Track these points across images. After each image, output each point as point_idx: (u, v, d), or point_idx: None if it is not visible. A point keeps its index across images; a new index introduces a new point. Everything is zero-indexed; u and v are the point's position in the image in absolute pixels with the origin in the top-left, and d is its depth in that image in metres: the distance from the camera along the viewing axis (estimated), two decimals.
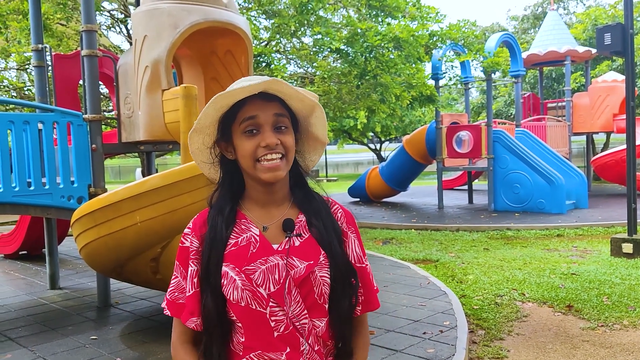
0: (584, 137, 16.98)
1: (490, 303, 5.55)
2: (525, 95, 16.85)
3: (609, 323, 4.87)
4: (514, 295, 5.78)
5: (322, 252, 1.39)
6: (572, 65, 16.03)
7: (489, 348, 4.39)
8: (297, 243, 1.39)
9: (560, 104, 16.39)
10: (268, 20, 9.70)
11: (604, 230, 9.48)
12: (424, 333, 4.53)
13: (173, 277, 1.44)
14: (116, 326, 5.05)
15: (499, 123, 13.82)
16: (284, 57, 10.22)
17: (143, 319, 5.23)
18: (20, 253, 8.50)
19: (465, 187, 15.46)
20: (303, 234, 1.40)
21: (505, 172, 11.93)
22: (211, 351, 1.37)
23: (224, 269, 1.35)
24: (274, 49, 9.74)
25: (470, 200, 13.83)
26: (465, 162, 12.80)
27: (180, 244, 1.43)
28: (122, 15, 10.36)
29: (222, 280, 1.34)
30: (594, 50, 14.96)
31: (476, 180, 17.81)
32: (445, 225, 10.48)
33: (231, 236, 1.38)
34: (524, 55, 14.56)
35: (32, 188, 5.18)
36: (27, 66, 10.70)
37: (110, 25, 11.00)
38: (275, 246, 1.38)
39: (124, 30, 10.65)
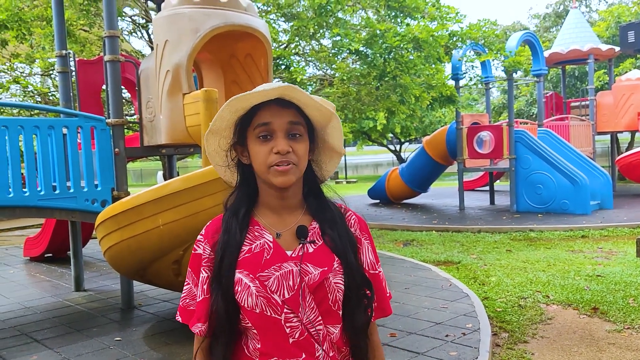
0: (608, 137, 16.70)
1: (514, 305, 5.48)
2: (548, 95, 16.63)
3: (635, 325, 4.77)
4: (538, 298, 5.70)
5: (336, 259, 1.39)
6: (595, 63, 15.78)
7: (512, 351, 4.33)
8: (310, 250, 1.39)
9: (583, 102, 16.14)
10: (287, 23, 9.73)
11: (630, 231, 9.31)
12: (447, 336, 4.49)
13: (185, 283, 1.45)
14: (139, 328, 5.10)
15: (520, 123, 13.65)
16: (303, 59, 10.25)
17: (166, 320, 5.28)
18: (45, 256, 8.65)
19: (487, 188, 15.31)
20: (317, 241, 1.40)
21: (528, 172, 11.78)
22: (216, 354, 1.38)
23: (238, 275, 1.35)
24: (293, 51, 9.76)
25: (492, 202, 13.69)
26: (487, 163, 12.68)
27: (192, 251, 1.44)
28: (144, 21, 10.49)
29: (236, 287, 1.35)
30: (617, 48, 14.73)
31: (498, 181, 17.62)
32: (466, 226, 10.39)
33: (245, 243, 1.39)
34: (546, 54, 14.38)
35: (57, 192, 5.26)
36: (51, 72, 10.89)
37: (132, 31, 11.15)
38: (289, 253, 1.38)
39: (145, 35, 10.79)
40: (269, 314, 1.34)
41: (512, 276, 6.61)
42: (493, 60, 12.74)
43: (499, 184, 17.69)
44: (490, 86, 14.32)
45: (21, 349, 4.62)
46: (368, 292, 1.43)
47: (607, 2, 31.06)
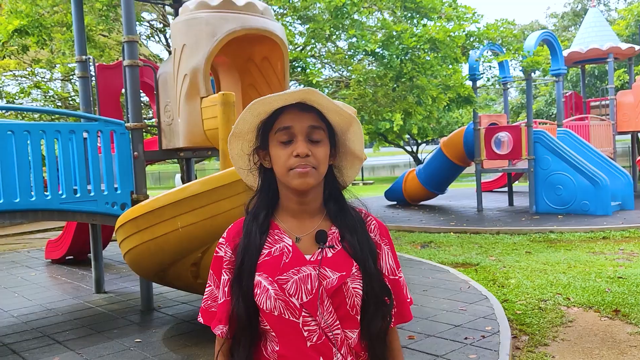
0: (628, 136, 16.45)
1: (534, 308, 5.43)
2: (567, 94, 16.45)
3: None
4: (558, 300, 5.64)
5: (355, 264, 1.39)
6: (615, 62, 15.57)
7: (533, 354, 4.29)
8: (329, 254, 1.39)
9: (603, 102, 15.93)
10: (303, 25, 9.75)
11: None
12: (466, 338, 4.46)
13: (207, 285, 1.47)
14: (159, 329, 5.15)
15: (539, 123, 13.51)
16: (319, 61, 10.26)
17: (185, 322, 5.32)
18: (67, 258, 8.76)
19: (505, 189, 15.18)
20: (336, 246, 1.41)
21: (547, 173, 11.66)
22: (237, 356, 1.39)
23: (257, 278, 1.36)
24: (309, 53, 9.78)
25: (511, 203, 13.56)
26: (505, 164, 12.57)
27: (214, 254, 1.46)
28: (161, 25, 10.59)
29: (255, 290, 1.36)
30: (637, 47, 14.52)
31: (516, 182, 17.45)
32: (485, 228, 10.31)
33: (265, 246, 1.40)
34: (565, 53, 14.23)
35: (78, 195, 5.34)
36: (71, 77, 11.04)
37: (150, 35, 11.25)
38: (307, 257, 1.39)
39: (162, 39, 10.88)
40: (287, 317, 1.35)
41: (532, 278, 6.55)
42: (511, 60, 12.63)
43: (517, 185, 17.53)
44: (508, 86, 14.21)
45: (43, 350, 4.69)
46: (387, 300, 1.42)
47: (626, 1, 30.63)
